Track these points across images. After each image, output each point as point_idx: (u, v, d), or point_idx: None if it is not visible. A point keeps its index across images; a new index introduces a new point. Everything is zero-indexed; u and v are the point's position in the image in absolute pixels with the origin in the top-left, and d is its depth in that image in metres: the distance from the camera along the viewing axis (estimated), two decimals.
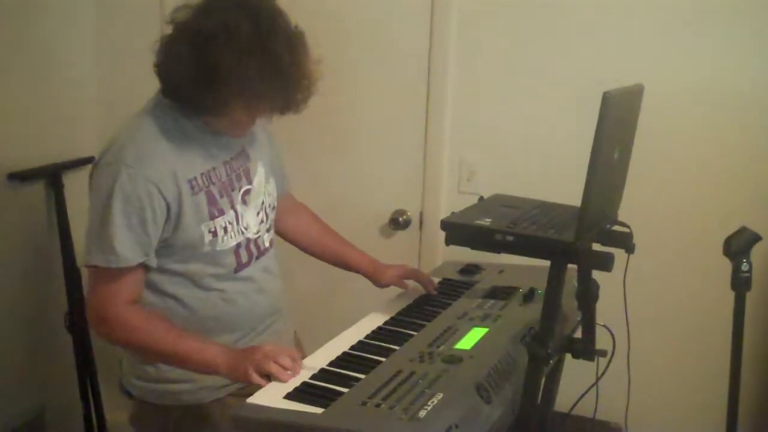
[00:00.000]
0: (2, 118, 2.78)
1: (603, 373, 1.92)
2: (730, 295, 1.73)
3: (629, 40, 2.48)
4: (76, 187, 3.10)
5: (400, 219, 2.84)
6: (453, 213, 1.85)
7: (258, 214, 1.94)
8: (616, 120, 1.60)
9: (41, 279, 3.02)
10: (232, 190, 1.87)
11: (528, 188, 2.13)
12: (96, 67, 3.15)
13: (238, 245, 1.88)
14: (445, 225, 1.77)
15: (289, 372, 1.60)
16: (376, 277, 2.21)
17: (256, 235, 1.94)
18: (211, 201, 1.81)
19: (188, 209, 1.77)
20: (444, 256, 2.62)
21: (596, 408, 2.03)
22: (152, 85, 3.03)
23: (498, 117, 2.67)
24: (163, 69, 1.73)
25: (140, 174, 1.70)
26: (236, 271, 1.89)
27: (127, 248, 1.71)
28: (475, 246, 1.74)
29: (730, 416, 1.79)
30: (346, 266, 2.26)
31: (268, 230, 2.00)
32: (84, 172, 3.14)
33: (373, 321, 1.91)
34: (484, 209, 1.88)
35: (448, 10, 2.65)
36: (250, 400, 1.49)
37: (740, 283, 1.71)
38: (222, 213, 1.83)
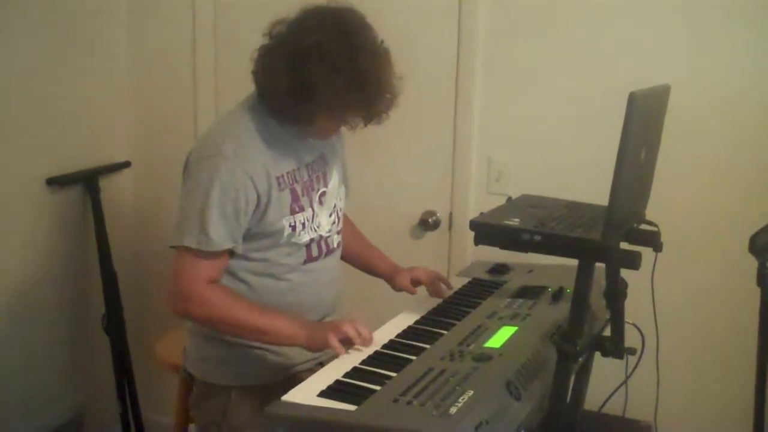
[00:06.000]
0: (40, 125, 2.84)
1: (632, 372, 1.93)
2: (757, 292, 1.74)
3: (656, 40, 2.48)
4: (112, 191, 3.16)
5: (430, 220, 2.86)
6: (482, 213, 1.87)
7: (330, 215, 2.07)
8: (643, 120, 1.61)
9: (79, 282, 3.08)
10: (312, 191, 2.01)
11: (556, 188, 2.15)
12: (131, 73, 3.21)
13: (311, 240, 2.00)
14: (474, 225, 1.80)
15: (365, 338, 1.77)
16: (391, 282, 2.28)
17: (327, 234, 2.05)
18: (294, 198, 1.95)
19: (274, 203, 1.90)
20: (473, 257, 2.64)
21: (626, 406, 2.05)
22: (186, 91, 3.11)
23: (525, 118, 2.68)
24: (260, 78, 1.88)
25: (238, 167, 1.83)
26: (305, 263, 2.01)
27: (219, 234, 1.84)
28: (503, 246, 1.76)
29: (757, 413, 1.80)
30: (368, 270, 2.34)
31: (338, 232, 2.11)
32: (120, 177, 3.22)
33: (404, 320, 1.93)
34: (513, 209, 1.90)
35: (475, 13, 2.68)
36: (285, 397, 1.52)
37: (766, 280, 1.71)
38: (302, 209, 1.96)
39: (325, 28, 1.79)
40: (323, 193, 2.04)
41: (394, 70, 1.87)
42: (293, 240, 1.96)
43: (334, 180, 2.10)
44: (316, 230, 2.01)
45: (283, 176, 1.92)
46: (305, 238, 1.98)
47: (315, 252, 2.02)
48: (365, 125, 1.92)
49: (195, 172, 1.87)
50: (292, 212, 1.94)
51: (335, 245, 2.10)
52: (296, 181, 1.96)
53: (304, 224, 1.97)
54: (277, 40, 1.85)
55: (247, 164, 1.85)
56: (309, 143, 2.01)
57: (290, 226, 1.94)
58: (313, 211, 2.00)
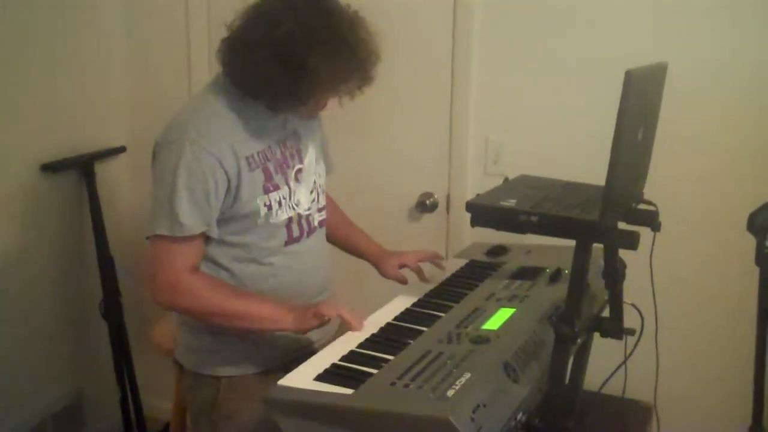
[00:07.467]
0: (35, 110, 2.83)
1: (632, 352, 1.92)
2: (756, 271, 1.73)
3: (653, 17, 2.46)
4: (107, 176, 3.15)
5: (427, 202, 2.85)
6: (478, 194, 1.86)
7: (311, 192, 2.05)
8: (640, 98, 1.60)
9: (76, 268, 3.08)
10: (287, 168, 1.98)
11: (553, 169, 2.13)
12: (126, 57, 3.20)
13: (290, 219, 1.98)
14: (470, 206, 1.78)
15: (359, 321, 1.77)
16: (379, 267, 2.26)
17: (307, 212, 2.03)
18: (268, 177, 1.92)
19: (246, 184, 1.87)
20: (471, 238, 2.63)
21: (625, 386, 2.04)
22: (180, 75, 3.09)
23: (522, 98, 2.67)
24: (243, 72, 1.84)
25: (203, 149, 1.80)
26: (287, 244, 1.98)
27: (191, 219, 1.81)
28: (500, 227, 1.75)
29: (757, 392, 1.79)
30: (353, 252, 2.33)
31: (319, 210, 2.09)
32: (115, 162, 3.21)
33: (401, 303, 1.93)
34: (510, 190, 1.89)
35: None
36: (281, 381, 1.51)
37: (764, 259, 1.70)
38: (277, 188, 1.94)
39: (299, 8, 1.78)
40: (299, 170, 2.01)
41: (370, 29, 1.88)
42: (271, 220, 1.94)
43: (310, 156, 2.07)
44: (294, 208, 1.98)
45: (252, 156, 1.89)
46: (283, 217, 1.96)
47: (296, 232, 2.00)
48: (361, 90, 1.90)
49: (161, 158, 1.85)
50: (266, 191, 1.91)
51: (317, 224, 2.08)
52: (268, 160, 1.93)
53: (280, 203, 1.94)
54: (248, 32, 1.82)
55: (213, 146, 1.81)
56: (280, 120, 1.98)
57: (265, 205, 1.91)
58: (290, 188, 1.97)
